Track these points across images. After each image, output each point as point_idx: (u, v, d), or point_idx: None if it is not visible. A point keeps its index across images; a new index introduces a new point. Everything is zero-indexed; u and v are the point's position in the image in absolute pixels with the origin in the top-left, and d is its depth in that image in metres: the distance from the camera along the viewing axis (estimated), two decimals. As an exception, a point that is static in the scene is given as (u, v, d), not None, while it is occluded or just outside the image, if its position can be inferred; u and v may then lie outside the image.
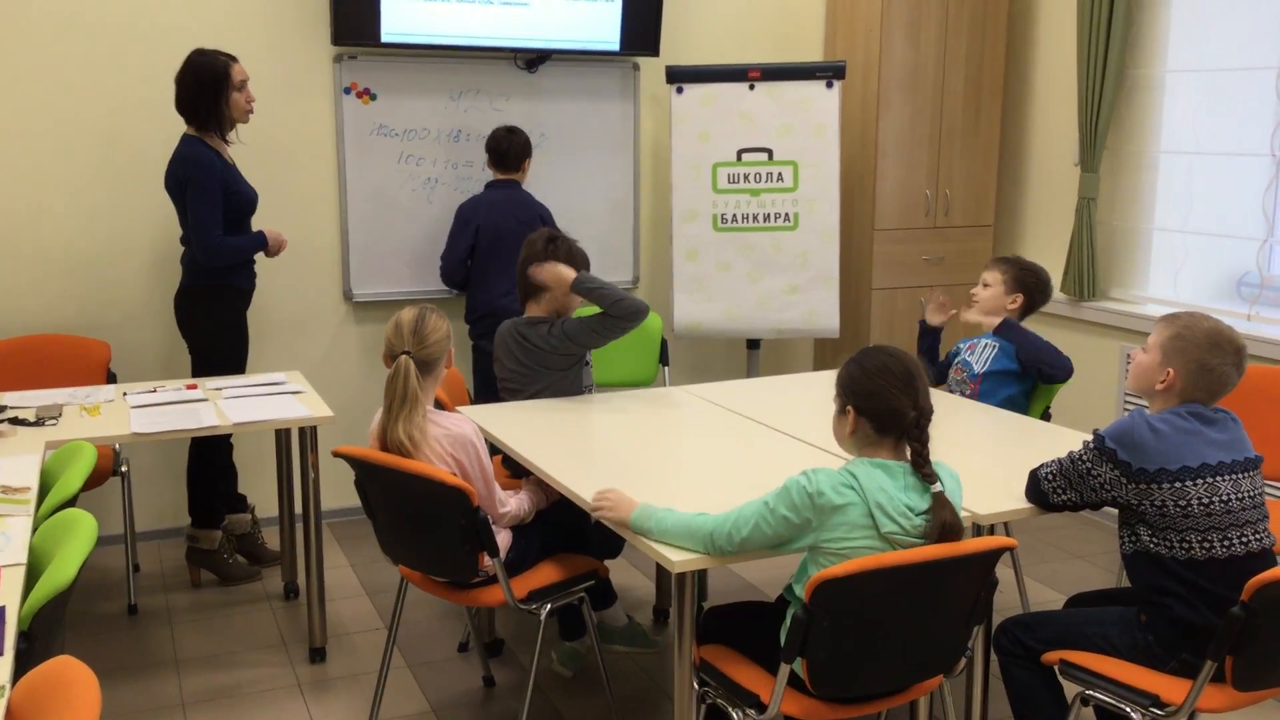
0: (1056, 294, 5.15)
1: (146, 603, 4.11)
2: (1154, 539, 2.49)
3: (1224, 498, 2.45)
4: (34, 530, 2.53)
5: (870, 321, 5.32)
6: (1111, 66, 4.80)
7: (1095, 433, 2.56)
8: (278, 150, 4.67)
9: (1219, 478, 2.46)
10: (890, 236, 5.30)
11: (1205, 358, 2.51)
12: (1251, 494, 2.50)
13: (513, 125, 4.70)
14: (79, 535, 2.31)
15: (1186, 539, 2.45)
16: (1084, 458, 2.56)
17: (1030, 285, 3.80)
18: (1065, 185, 5.25)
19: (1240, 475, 2.49)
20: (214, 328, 4.09)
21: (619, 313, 3.50)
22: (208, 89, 3.95)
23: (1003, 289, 3.80)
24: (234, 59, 4.00)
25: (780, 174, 4.99)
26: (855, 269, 5.37)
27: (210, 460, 4.16)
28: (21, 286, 4.39)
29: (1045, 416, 3.77)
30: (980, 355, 3.79)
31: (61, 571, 2.18)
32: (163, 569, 4.41)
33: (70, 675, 1.76)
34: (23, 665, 1.95)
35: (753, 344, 5.30)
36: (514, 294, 3.98)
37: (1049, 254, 5.34)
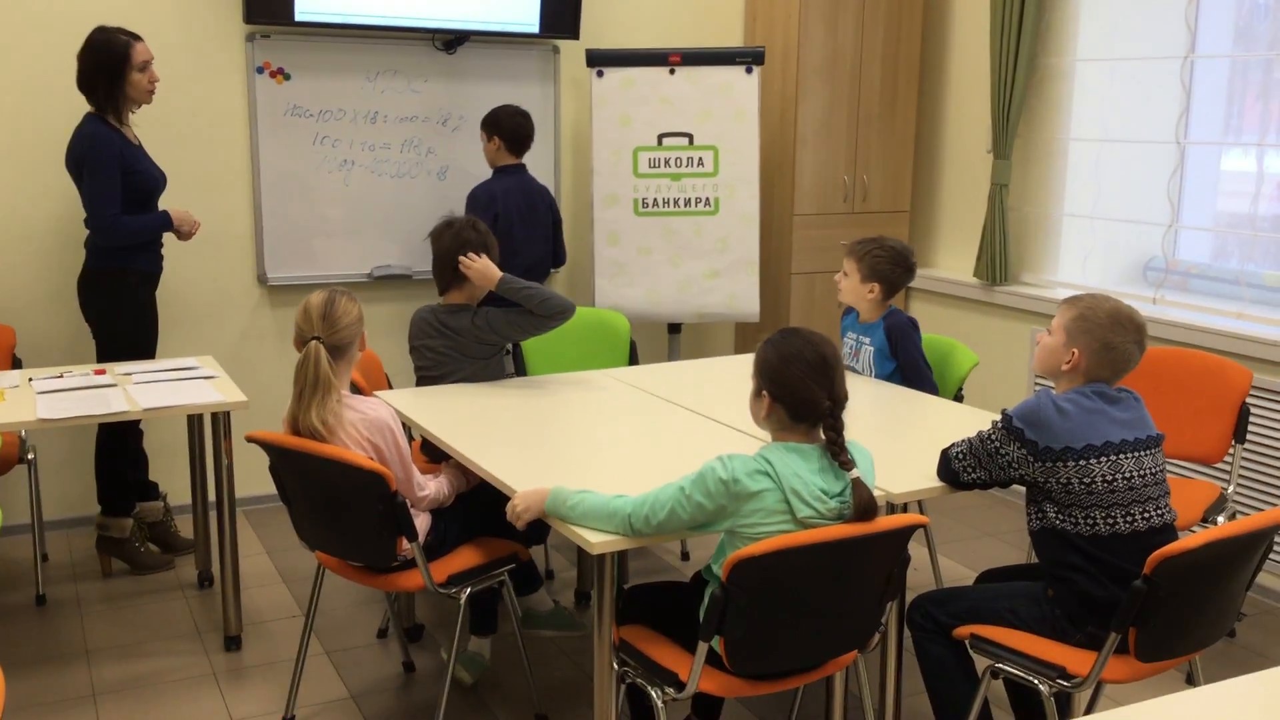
0: (969, 279, 5.26)
1: (55, 592, 4.01)
2: (1060, 515, 2.56)
3: (1126, 475, 2.52)
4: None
5: (790, 305, 5.37)
6: (1023, 55, 4.89)
7: (1004, 413, 2.62)
8: (188, 131, 4.57)
9: (1122, 455, 2.53)
10: (809, 221, 5.35)
11: (1108, 337, 2.58)
12: (1153, 471, 2.57)
13: (518, 106, 4.64)
14: (-19, 523, 2.25)
15: (1091, 515, 2.52)
16: (992, 437, 2.61)
17: (884, 271, 3.69)
18: (979, 172, 5.34)
19: (1142, 453, 2.56)
20: (118, 312, 3.99)
21: (545, 312, 3.52)
22: (105, 69, 3.85)
23: (858, 278, 3.72)
24: (136, 38, 3.90)
25: (701, 159, 5.01)
26: (775, 254, 5.41)
27: (119, 447, 4.07)
28: (-80, 269, 4.26)
29: (958, 397, 3.83)
30: (863, 361, 3.79)
31: (-38, 560, 2.13)
32: (72, 558, 4.31)
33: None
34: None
35: (674, 328, 5.32)
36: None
37: (963, 239, 5.44)
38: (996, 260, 5.10)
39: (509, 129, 4.59)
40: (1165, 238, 4.63)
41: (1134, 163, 4.74)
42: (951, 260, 5.53)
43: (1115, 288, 4.80)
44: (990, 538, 4.65)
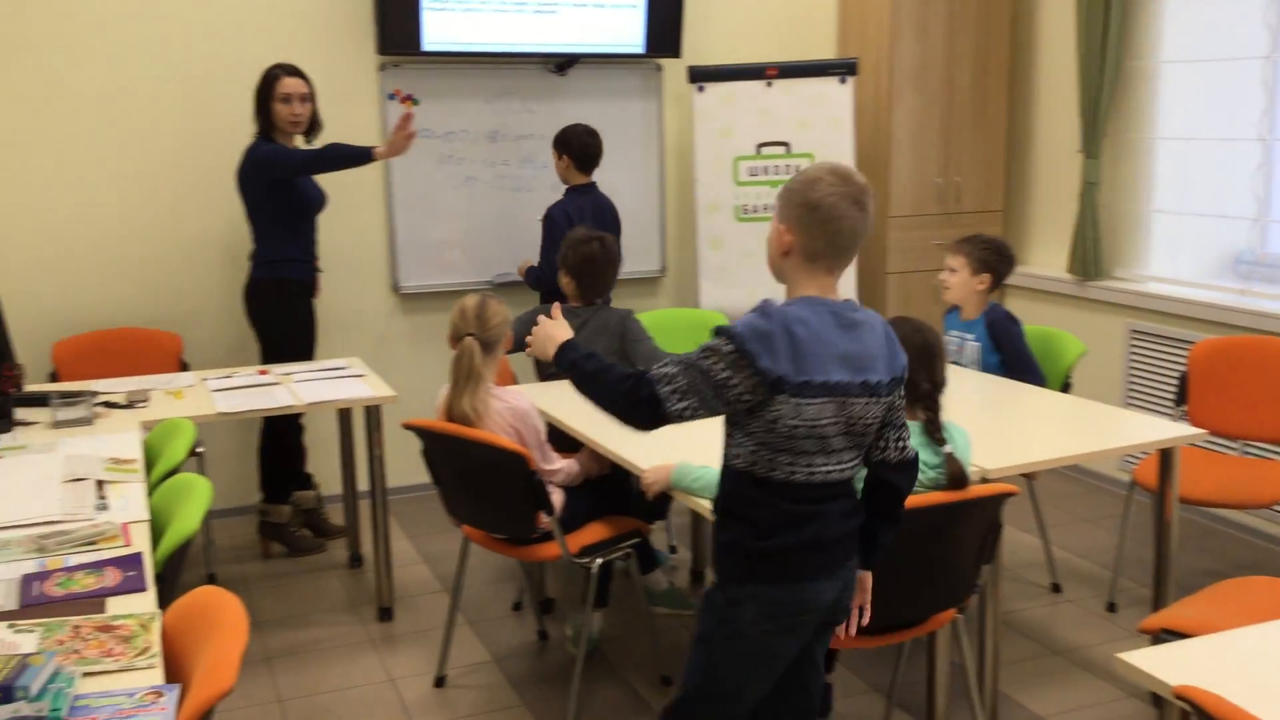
0: (1063, 274, 5.46)
1: (223, 572, 4.45)
2: None
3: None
4: (150, 494, 2.86)
5: (886, 303, 5.62)
6: (1110, 58, 5.09)
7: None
8: (329, 154, 5.00)
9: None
10: (904, 223, 5.60)
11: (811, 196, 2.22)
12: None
13: (588, 125, 4.82)
14: (197, 494, 2.65)
15: None
16: None
17: (993, 262, 3.98)
18: (1069, 171, 5.54)
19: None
20: (281, 318, 4.44)
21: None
22: (259, 96, 4.35)
23: (969, 271, 3.99)
24: (289, 72, 4.34)
25: (798, 166, 5.30)
26: (871, 254, 5.66)
27: (282, 440, 4.51)
28: (98, 283, 4.74)
29: (1065, 387, 4.02)
30: (967, 356, 4.01)
31: (187, 523, 2.53)
32: (234, 543, 4.76)
33: (216, 600, 2.10)
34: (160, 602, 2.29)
35: (775, 327, 5.60)
36: None
37: (1055, 236, 5.64)
38: (1089, 256, 5.29)
39: (578, 148, 4.74)
40: (1252, 231, 4.79)
41: (1219, 160, 4.90)
42: (1045, 256, 5.73)
43: (1206, 280, 4.96)
44: (1087, 523, 4.85)
